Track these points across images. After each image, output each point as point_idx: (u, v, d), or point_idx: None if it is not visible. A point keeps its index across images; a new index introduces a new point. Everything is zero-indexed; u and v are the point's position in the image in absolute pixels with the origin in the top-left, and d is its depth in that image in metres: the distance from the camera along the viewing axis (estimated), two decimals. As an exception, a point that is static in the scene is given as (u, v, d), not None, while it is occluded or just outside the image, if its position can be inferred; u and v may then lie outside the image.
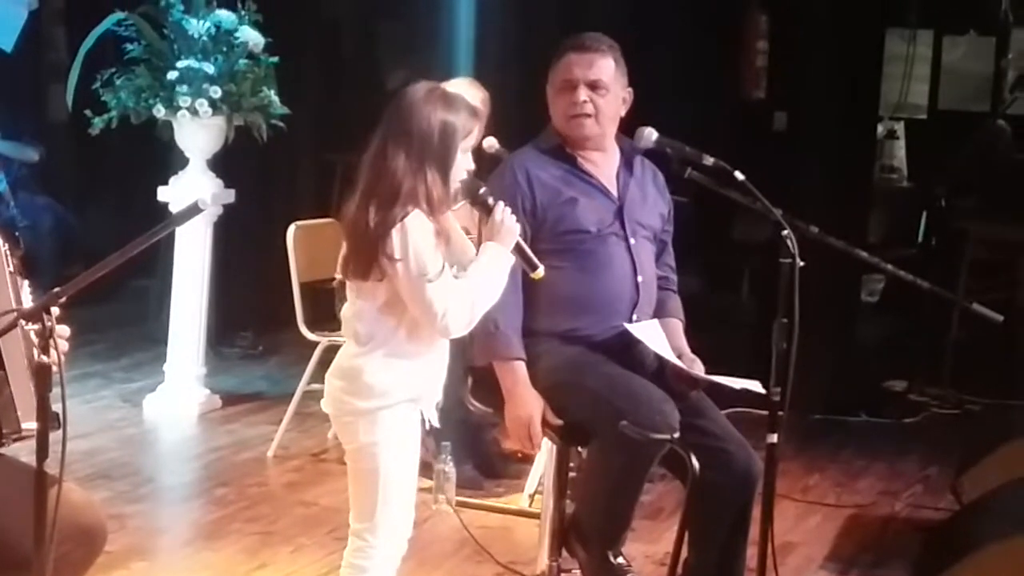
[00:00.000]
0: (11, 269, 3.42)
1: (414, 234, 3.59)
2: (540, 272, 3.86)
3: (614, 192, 4.41)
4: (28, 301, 3.39)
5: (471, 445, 5.98)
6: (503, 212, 3.79)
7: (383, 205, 3.62)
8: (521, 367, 4.24)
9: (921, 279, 4.31)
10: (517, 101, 6.06)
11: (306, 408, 6.60)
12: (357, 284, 3.72)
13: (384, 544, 3.79)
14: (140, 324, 8.48)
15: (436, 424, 3.88)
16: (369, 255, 3.63)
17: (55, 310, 3.05)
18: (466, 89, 5.73)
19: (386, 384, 3.71)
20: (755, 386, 4.20)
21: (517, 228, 3.81)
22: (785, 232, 3.99)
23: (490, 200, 3.82)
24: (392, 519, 3.78)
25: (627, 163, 4.48)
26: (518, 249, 3.82)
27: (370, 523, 3.77)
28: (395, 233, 3.58)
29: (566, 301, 4.30)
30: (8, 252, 3.43)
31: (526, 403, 4.22)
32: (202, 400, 7.24)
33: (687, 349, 4.45)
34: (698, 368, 4.34)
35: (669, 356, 4.31)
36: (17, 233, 3.55)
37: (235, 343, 8.47)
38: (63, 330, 3.35)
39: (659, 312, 4.48)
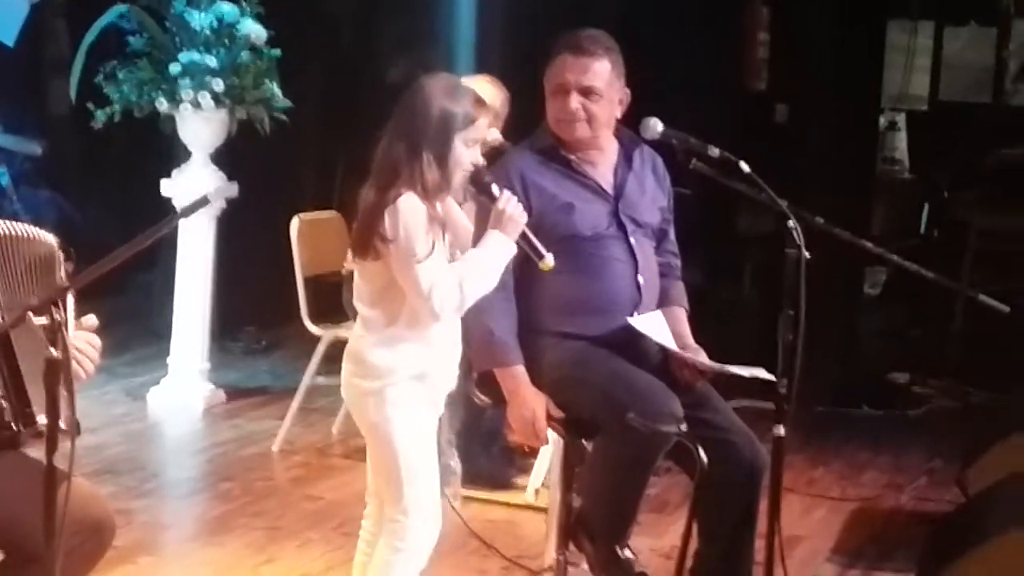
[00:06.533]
0: (62, 275, 3.41)
1: (405, 215, 3.66)
2: (549, 261, 3.86)
3: (610, 191, 4.38)
4: (71, 315, 3.37)
5: (483, 443, 5.95)
6: (507, 201, 3.82)
7: (381, 188, 3.72)
8: (520, 371, 4.24)
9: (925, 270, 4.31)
10: (517, 94, 6.03)
11: (311, 403, 6.62)
12: (360, 266, 3.80)
13: (418, 522, 3.86)
14: (143, 318, 8.43)
15: (441, 409, 3.94)
16: (366, 235, 3.71)
17: (93, 320, 3.08)
18: (486, 87, 5.72)
19: (389, 363, 3.79)
20: (763, 373, 4.19)
21: (523, 217, 3.84)
22: (791, 223, 3.98)
23: (494, 189, 3.85)
24: (420, 496, 3.85)
25: (626, 156, 4.45)
26: (524, 238, 3.85)
27: (401, 504, 3.84)
28: (387, 214, 3.67)
29: (567, 304, 4.29)
30: (62, 260, 3.44)
31: (528, 403, 4.22)
32: (206, 394, 7.25)
33: (690, 338, 4.44)
34: (702, 358, 4.34)
35: (673, 346, 4.30)
36: (71, 248, 3.52)
37: (238, 337, 8.47)
38: (94, 339, 3.37)
39: (662, 301, 4.46)
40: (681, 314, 4.49)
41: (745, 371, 4.23)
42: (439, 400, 3.93)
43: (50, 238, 3.48)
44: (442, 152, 3.73)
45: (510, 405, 4.24)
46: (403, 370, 3.79)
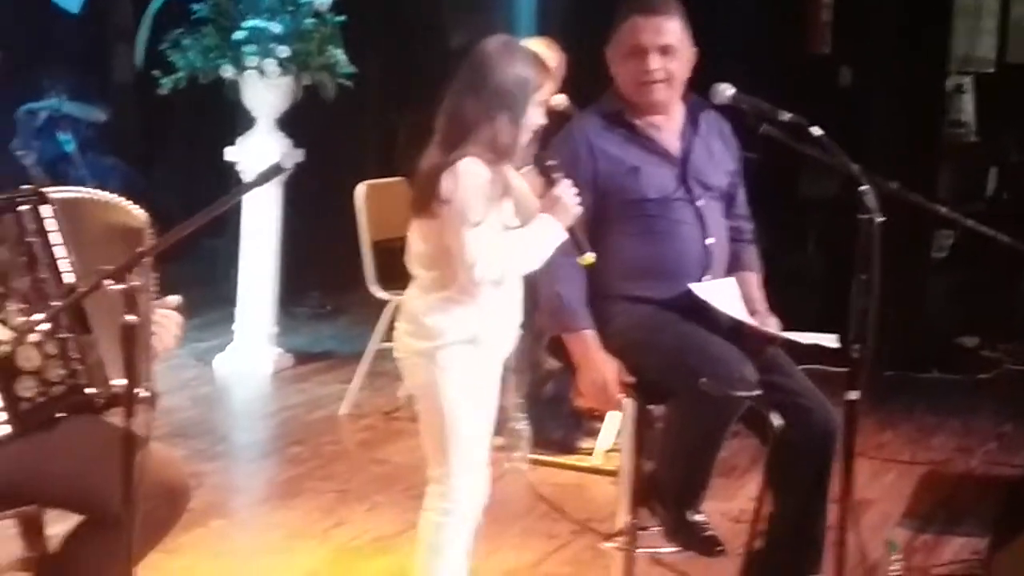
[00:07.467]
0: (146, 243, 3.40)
1: (465, 178, 3.66)
2: (589, 258, 3.86)
3: (677, 155, 4.34)
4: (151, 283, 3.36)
5: (550, 407, 5.95)
6: (565, 189, 3.83)
7: (444, 148, 3.72)
8: (590, 335, 4.20)
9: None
10: (581, 59, 6.00)
11: (377, 367, 6.63)
12: (418, 226, 3.80)
13: (464, 488, 3.86)
14: (210, 283, 8.46)
15: (498, 371, 3.93)
16: (427, 194, 3.71)
17: (176, 299, 3.26)
18: (542, 50, 5.69)
19: (441, 325, 3.79)
20: (827, 340, 4.15)
21: (576, 211, 3.84)
22: (864, 188, 3.93)
23: (556, 175, 3.86)
24: (467, 461, 3.85)
25: (693, 121, 4.41)
26: (570, 230, 3.85)
27: (446, 467, 3.84)
28: (447, 175, 3.67)
29: (635, 268, 4.26)
30: (149, 229, 3.44)
31: (599, 367, 4.18)
32: (274, 359, 7.29)
33: (762, 303, 4.39)
34: (772, 324, 4.30)
35: (738, 315, 4.26)
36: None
37: (304, 302, 8.50)
38: (174, 316, 3.38)
39: (734, 266, 4.43)
40: (753, 279, 4.45)
41: (806, 338, 4.19)
42: (495, 363, 3.92)
43: (132, 206, 3.49)
44: (518, 116, 3.74)
45: (580, 370, 4.22)
46: (455, 333, 3.80)
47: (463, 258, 3.68)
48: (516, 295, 3.92)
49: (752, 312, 4.33)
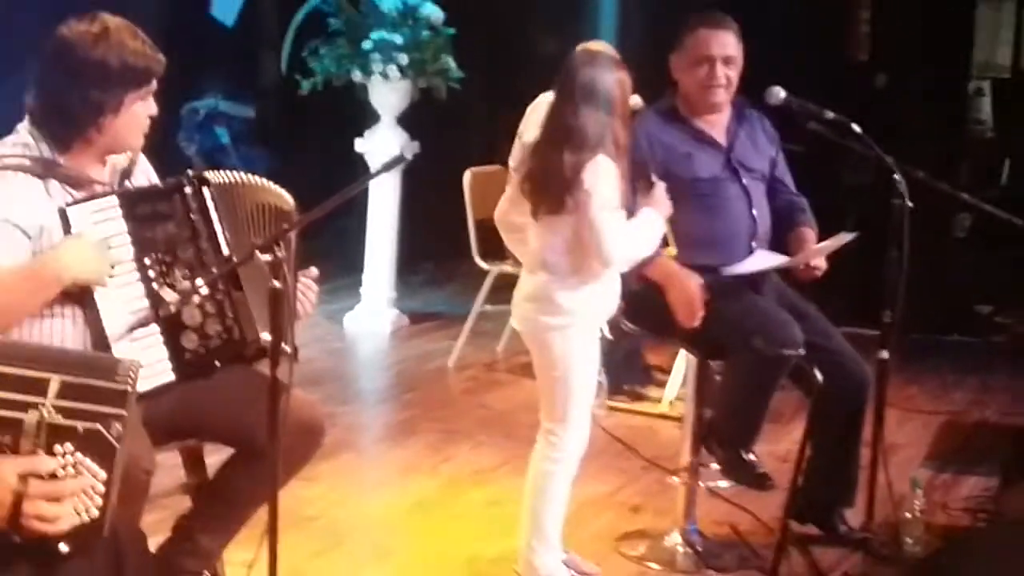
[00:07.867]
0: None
1: (604, 172, 3.67)
2: (672, 251, 3.93)
3: (723, 143, 4.32)
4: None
5: (625, 361, 5.95)
6: (663, 190, 3.88)
7: (576, 151, 3.69)
8: (665, 257, 4.07)
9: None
10: (660, 64, 5.96)
11: (480, 327, 6.66)
12: (548, 220, 3.76)
13: (573, 437, 3.89)
14: (339, 256, 8.50)
15: (608, 335, 3.93)
16: (562, 191, 3.69)
17: (315, 271, 3.33)
18: None
19: (574, 305, 3.79)
20: (845, 238, 4.17)
21: (670, 209, 3.88)
22: (897, 177, 3.91)
23: (653, 177, 3.92)
24: (580, 416, 3.87)
25: (738, 117, 4.39)
26: None
27: (563, 423, 3.85)
28: (588, 171, 3.67)
29: (695, 239, 4.23)
30: (294, 209, 3.46)
31: (683, 281, 4.02)
32: (392, 319, 7.34)
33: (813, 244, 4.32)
34: (812, 253, 4.22)
35: (778, 261, 4.21)
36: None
37: (418, 271, 8.54)
38: (314, 286, 3.41)
39: (793, 226, 4.37)
40: (810, 232, 4.36)
41: (837, 240, 4.18)
42: (604, 328, 3.96)
43: (280, 189, 3.50)
44: (626, 117, 3.77)
45: (668, 290, 4.03)
46: (588, 311, 3.81)
47: (601, 245, 3.68)
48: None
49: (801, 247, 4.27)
